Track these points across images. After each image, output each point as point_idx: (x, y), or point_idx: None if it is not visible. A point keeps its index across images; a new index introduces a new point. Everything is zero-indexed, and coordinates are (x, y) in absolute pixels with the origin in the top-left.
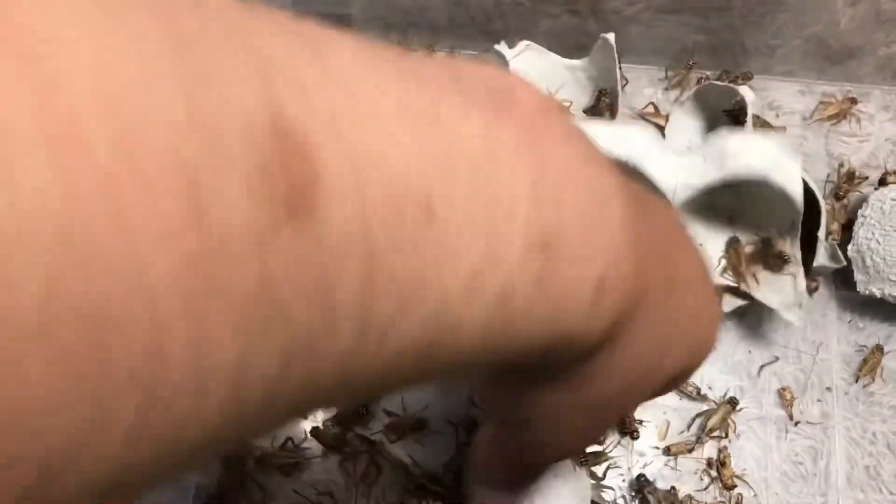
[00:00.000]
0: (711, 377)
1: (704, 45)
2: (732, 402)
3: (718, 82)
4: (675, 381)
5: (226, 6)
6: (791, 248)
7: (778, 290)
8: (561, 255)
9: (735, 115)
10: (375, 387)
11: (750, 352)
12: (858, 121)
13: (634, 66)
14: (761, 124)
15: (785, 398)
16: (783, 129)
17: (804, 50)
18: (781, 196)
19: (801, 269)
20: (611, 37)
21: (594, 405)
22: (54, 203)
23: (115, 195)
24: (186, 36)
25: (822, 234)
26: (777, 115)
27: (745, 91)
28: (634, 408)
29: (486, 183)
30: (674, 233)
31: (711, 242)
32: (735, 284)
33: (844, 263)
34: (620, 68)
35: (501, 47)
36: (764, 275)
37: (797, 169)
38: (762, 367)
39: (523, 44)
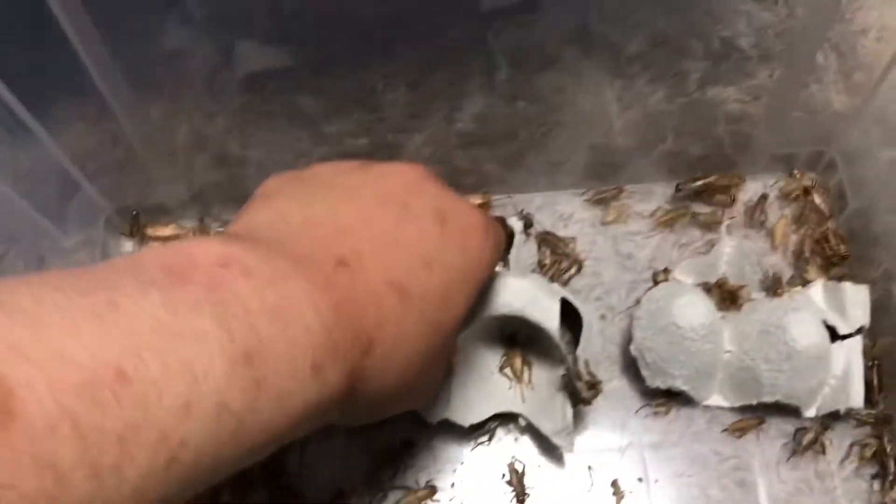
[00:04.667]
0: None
1: (495, 172)
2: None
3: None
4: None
5: None
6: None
7: (549, 416)
8: (267, 361)
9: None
10: None
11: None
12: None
13: None
14: (545, 240)
15: (618, 492)
16: (573, 238)
17: (586, 161)
18: (541, 328)
19: (568, 397)
20: None
21: (395, 396)
22: None
23: None
24: None
25: (580, 352)
26: (565, 226)
27: (512, 222)
28: (435, 366)
29: (173, 336)
30: (393, 247)
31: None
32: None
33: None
34: None
35: None
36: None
37: (554, 305)
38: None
39: None
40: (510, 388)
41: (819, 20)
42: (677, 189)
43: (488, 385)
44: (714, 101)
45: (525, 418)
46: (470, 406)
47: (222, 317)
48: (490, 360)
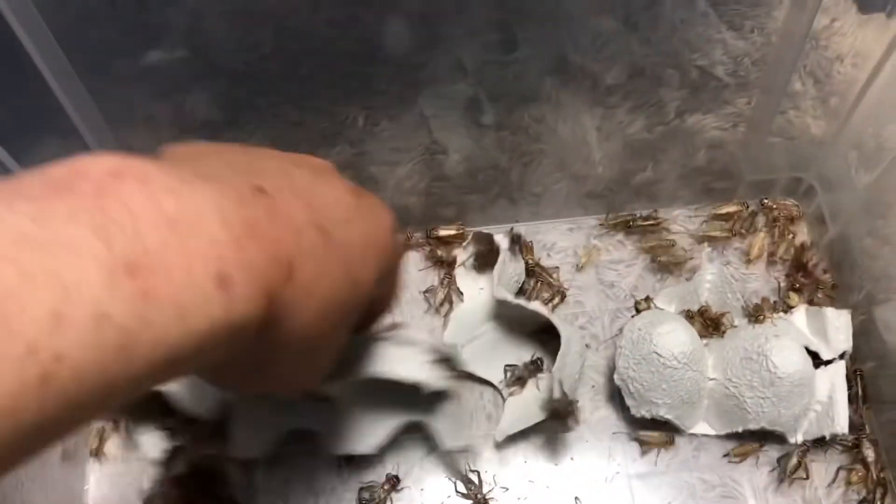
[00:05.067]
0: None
1: (477, 203)
2: None
3: (483, 230)
4: (379, 289)
5: None
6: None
7: (451, 430)
8: (156, 272)
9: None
10: None
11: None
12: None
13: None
14: (531, 270)
15: None
16: (556, 268)
17: (566, 191)
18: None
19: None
20: None
21: (304, 350)
22: None
23: None
24: None
25: (555, 371)
26: (549, 255)
27: (498, 239)
28: (341, 331)
29: (38, 247)
30: (313, 197)
31: None
32: None
33: (570, 399)
34: None
35: None
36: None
37: (421, 367)
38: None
39: None
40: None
41: (794, 48)
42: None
43: (385, 403)
44: (693, 129)
45: (425, 425)
46: (372, 432)
47: (101, 226)
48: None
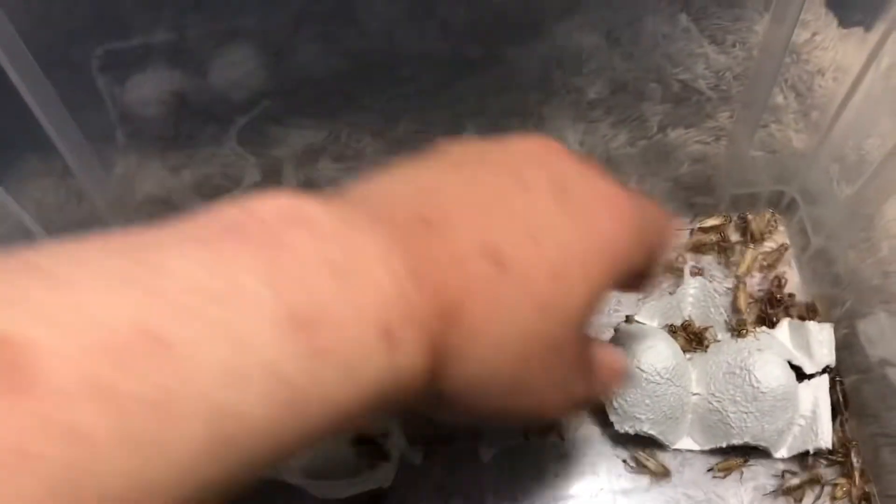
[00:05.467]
0: None
1: None
2: None
3: None
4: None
5: None
6: None
7: None
8: (325, 325)
9: None
10: (184, 493)
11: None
12: None
13: None
14: None
15: None
16: None
17: None
18: None
19: None
20: None
21: (502, 392)
22: None
23: None
24: None
25: None
26: None
27: None
28: (552, 356)
29: (210, 297)
30: (496, 208)
31: None
32: None
33: None
34: None
35: None
36: None
37: None
38: None
39: None
40: None
41: (775, 61)
42: None
43: None
44: (675, 144)
45: None
46: None
47: (271, 275)
48: None
